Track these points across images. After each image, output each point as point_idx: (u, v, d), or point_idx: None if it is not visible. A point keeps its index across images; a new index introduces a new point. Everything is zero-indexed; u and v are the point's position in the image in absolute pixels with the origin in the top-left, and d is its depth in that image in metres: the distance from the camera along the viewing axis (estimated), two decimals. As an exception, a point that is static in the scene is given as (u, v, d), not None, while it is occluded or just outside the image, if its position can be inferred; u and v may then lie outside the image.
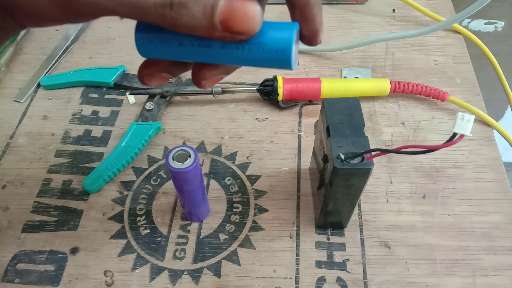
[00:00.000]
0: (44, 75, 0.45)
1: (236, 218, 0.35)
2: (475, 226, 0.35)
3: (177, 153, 0.29)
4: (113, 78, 0.44)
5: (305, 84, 0.41)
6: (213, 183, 0.37)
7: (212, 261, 0.33)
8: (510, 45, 0.95)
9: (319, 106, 0.42)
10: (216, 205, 0.36)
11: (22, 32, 0.50)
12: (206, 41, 0.20)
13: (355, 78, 0.45)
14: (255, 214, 0.35)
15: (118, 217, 0.35)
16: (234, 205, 0.36)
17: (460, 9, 0.41)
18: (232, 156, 0.39)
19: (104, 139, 0.40)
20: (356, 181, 0.28)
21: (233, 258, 0.33)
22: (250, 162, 0.39)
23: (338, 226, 0.34)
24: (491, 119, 0.41)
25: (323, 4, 0.52)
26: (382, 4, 0.53)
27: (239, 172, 0.38)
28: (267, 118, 0.42)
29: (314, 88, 0.41)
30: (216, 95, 0.43)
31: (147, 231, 0.35)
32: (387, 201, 0.36)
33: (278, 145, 0.40)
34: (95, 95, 0.44)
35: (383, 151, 0.26)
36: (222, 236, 0.34)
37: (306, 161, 0.39)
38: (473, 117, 0.22)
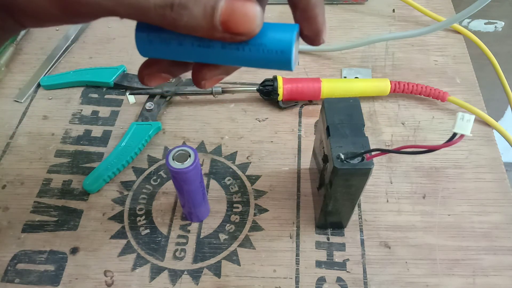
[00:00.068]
0: (44, 75, 0.45)
1: (236, 218, 0.35)
2: (475, 226, 0.35)
3: (177, 153, 0.29)
4: (113, 78, 0.44)
5: (305, 84, 0.41)
6: (213, 183, 0.37)
7: (212, 261, 0.33)
8: (510, 45, 0.95)
9: (319, 106, 0.42)
10: (216, 205, 0.36)
11: (22, 32, 0.50)
12: (206, 42, 0.20)
13: (355, 78, 0.45)
14: (255, 214, 0.35)
15: (118, 217, 0.35)
16: (234, 205, 0.36)
17: (460, 9, 0.41)
18: (232, 156, 0.39)
19: (104, 139, 0.40)
20: (356, 181, 0.28)
21: (233, 258, 0.33)
22: (250, 162, 0.39)
23: (338, 226, 0.34)
24: (491, 119, 0.41)
25: (323, 4, 0.52)
26: (382, 4, 0.53)
27: (239, 172, 0.38)
28: (267, 118, 0.42)
29: (314, 88, 0.41)
30: (216, 95, 0.43)
31: (147, 231, 0.35)
32: (387, 201, 0.36)
33: (278, 145, 0.40)
34: (95, 95, 0.44)
35: (383, 151, 0.26)
36: (222, 236, 0.34)
37: (306, 161, 0.39)
38: (473, 117, 0.22)
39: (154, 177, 0.38)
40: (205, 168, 0.38)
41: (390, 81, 0.42)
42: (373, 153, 0.27)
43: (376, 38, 0.45)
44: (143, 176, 0.38)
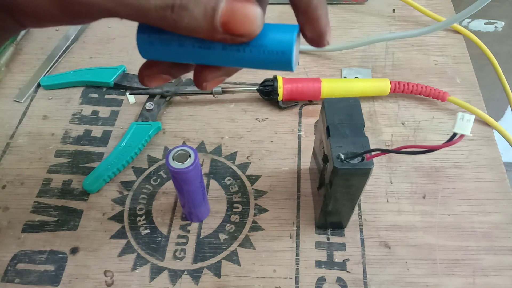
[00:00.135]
0: (44, 75, 0.45)
1: (236, 218, 0.35)
2: (475, 226, 0.35)
3: (177, 153, 0.29)
4: (113, 78, 0.44)
5: (305, 84, 0.41)
6: (213, 183, 0.37)
7: (212, 261, 0.33)
8: (510, 45, 0.95)
9: (319, 106, 0.42)
10: (216, 205, 0.36)
11: (22, 32, 0.50)
12: (207, 43, 0.20)
13: (355, 78, 0.45)
14: (255, 214, 0.35)
15: (118, 217, 0.35)
16: (234, 205, 0.36)
17: (460, 9, 0.41)
18: (232, 156, 0.39)
19: (104, 139, 0.40)
20: (356, 181, 0.28)
21: (233, 258, 0.33)
22: (250, 162, 0.39)
23: (338, 226, 0.34)
24: (491, 119, 0.41)
25: (323, 4, 0.52)
26: (382, 4, 0.53)
27: (239, 172, 0.38)
28: (267, 118, 0.42)
29: (314, 88, 0.41)
30: (216, 95, 0.43)
31: (147, 231, 0.35)
32: (387, 201, 0.36)
33: (278, 145, 0.40)
34: (95, 95, 0.44)
35: (383, 151, 0.26)
36: (222, 236, 0.34)
37: (306, 161, 0.39)
38: (473, 117, 0.22)
39: (154, 177, 0.38)
40: (205, 168, 0.38)
41: (390, 81, 0.42)
42: (373, 153, 0.27)
43: (376, 38, 0.45)
44: (143, 176, 0.38)
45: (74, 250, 0.34)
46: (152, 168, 0.38)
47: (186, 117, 0.42)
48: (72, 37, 0.49)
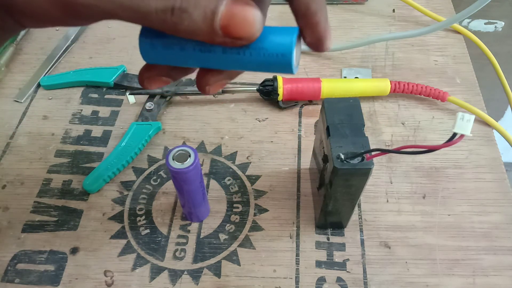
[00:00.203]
0: (44, 75, 0.45)
1: (236, 218, 0.35)
2: (475, 226, 0.35)
3: (177, 153, 0.29)
4: (113, 78, 0.44)
5: (305, 84, 0.41)
6: (213, 183, 0.37)
7: (212, 261, 0.33)
8: (510, 45, 0.95)
9: (319, 106, 0.42)
10: (216, 205, 0.36)
11: (22, 32, 0.50)
12: (208, 47, 0.20)
13: (355, 78, 0.45)
14: (255, 214, 0.35)
15: (118, 217, 0.35)
16: (234, 205, 0.36)
17: (460, 9, 0.41)
18: (232, 156, 0.39)
19: (104, 139, 0.40)
20: (356, 181, 0.28)
21: (233, 258, 0.33)
22: (250, 162, 0.39)
23: (338, 226, 0.34)
24: (491, 119, 0.41)
25: (323, 4, 0.52)
26: (382, 4, 0.53)
27: (239, 172, 0.38)
28: (267, 118, 0.42)
29: (314, 88, 0.41)
30: (216, 95, 0.43)
31: (147, 231, 0.35)
32: (387, 201, 0.36)
33: (278, 145, 0.40)
34: (95, 95, 0.44)
35: (383, 151, 0.26)
36: (222, 236, 0.34)
37: (306, 161, 0.39)
38: (473, 117, 0.22)
39: (154, 177, 0.38)
40: (205, 168, 0.38)
41: (390, 81, 0.42)
42: (373, 153, 0.27)
43: (376, 38, 0.45)
44: (143, 176, 0.38)
45: (74, 250, 0.34)
46: (152, 168, 0.38)
47: (186, 117, 0.42)
48: (72, 37, 0.49)
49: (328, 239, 0.34)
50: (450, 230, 0.35)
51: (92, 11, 0.18)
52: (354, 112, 0.30)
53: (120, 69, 0.45)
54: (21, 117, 0.42)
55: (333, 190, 0.29)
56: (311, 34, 0.21)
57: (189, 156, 0.29)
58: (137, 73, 0.46)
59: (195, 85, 0.23)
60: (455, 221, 0.35)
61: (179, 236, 0.34)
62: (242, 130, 0.41)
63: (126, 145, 0.38)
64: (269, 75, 0.42)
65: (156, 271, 0.33)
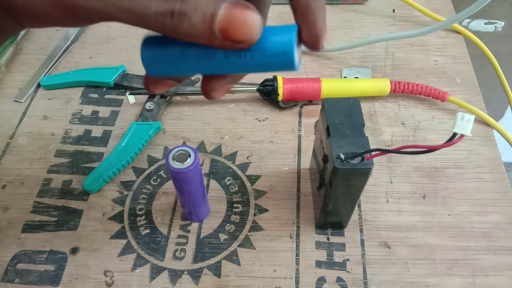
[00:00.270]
0: (44, 75, 0.45)
1: (236, 218, 0.35)
2: (475, 226, 0.35)
3: (177, 153, 0.29)
4: (113, 78, 0.44)
5: (305, 84, 0.41)
6: (213, 183, 0.37)
7: (212, 261, 0.33)
8: (510, 45, 0.95)
9: (319, 106, 0.42)
10: (216, 205, 0.36)
11: (22, 32, 0.50)
12: (210, 54, 0.20)
13: (355, 78, 0.45)
14: (255, 214, 0.35)
15: (118, 217, 0.35)
16: (234, 205, 0.36)
17: (460, 9, 0.41)
18: (232, 156, 0.39)
19: (104, 139, 0.40)
20: (356, 181, 0.28)
21: (233, 258, 0.33)
22: (250, 162, 0.39)
23: (338, 226, 0.34)
24: (491, 119, 0.41)
25: (323, 4, 0.52)
26: (382, 4, 0.53)
27: (239, 172, 0.38)
28: (267, 118, 0.42)
29: (314, 88, 0.41)
30: (216, 95, 0.42)
31: (147, 231, 0.35)
32: (387, 201, 0.36)
33: (278, 145, 0.40)
34: (95, 95, 0.44)
35: (383, 151, 0.26)
36: (222, 236, 0.34)
37: (306, 161, 0.39)
38: (473, 117, 0.22)
39: (154, 177, 0.38)
40: (205, 168, 0.38)
41: (390, 81, 0.42)
42: (373, 153, 0.27)
43: (376, 38, 0.45)
44: (143, 176, 0.38)
45: (74, 250, 0.34)
46: (152, 168, 0.38)
47: (186, 117, 0.42)
48: (72, 37, 0.49)
49: (328, 239, 0.34)
50: (450, 230, 0.35)
51: (92, 13, 0.18)
52: (354, 112, 0.30)
53: (120, 69, 0.45)
54: (21, 117, 0.42)
55: (333, 190, 0.29)
56: (308, 32, 0.21)
57: (189, 156, 0.29)
58: (137, 73, 0.46)
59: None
60: (455, 221, 0.35)
61: (179, 236, 0.34)
62: (242, 130, 0.41)
63: (126, 145, 0.39)
64: (269, 75, 0.42)
65: (156, 271, 0.33)
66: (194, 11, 0.18)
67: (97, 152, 0.39)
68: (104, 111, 0.43)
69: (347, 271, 0.32)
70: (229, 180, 0.38)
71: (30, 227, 0.35)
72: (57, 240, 0.34)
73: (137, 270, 0.33)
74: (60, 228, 0.35)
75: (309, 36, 0.21)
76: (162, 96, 0.42)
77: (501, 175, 0.38)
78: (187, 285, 0.32)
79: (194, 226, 0.35)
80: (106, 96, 0.44)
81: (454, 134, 0.23)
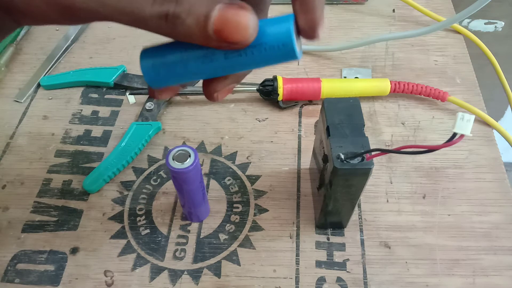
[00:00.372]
0: (44, 75, 0.45)
1: (236, 218, 0.35)
2: (475, 226, 0.35)
3: (177, 153, 0.29)
4: (113, 78, 0.44)
5: (305, 84, 0.41)
6: (213, 183, 0.37)
7: (212, 261, 0.33)
8: (510, 45, 0.95)
9: (319, 106, 0.42)
10: (216, 205, 0.36)
11: (22, 32, 0.50)
12: (210, 57, 0.20)
13: (355, 78, 0.45)
14: (255, 214, 0.35)
15: (118, 217, 0.35)
16: (234, 205, 0.36)
17: (460, 9, 0.41)
18: (232, 156, 0.39)
19: (104, 139, 0.40)
20: (356, 181, 0.28)
21: (233, 258, 0.33)
22: (250, 162, 0.39)
23: (338, 226, 0.34)
24: (491, 119, 0.41)
25: (323, 4, 0.52)
26: (382, 4, 0.53)
27: (239, 172, 0.38)
28: (267, 118, 0.42)
29: (314, 88, 0.41)
30: (216, 95, 0.42)
31: (147, 231, 0.35)
32: (387, 201, 0.36)
33: (278, 145, 0.40)
34: (95, 95, 0.44)
35: (383, 151, 0.26)
36: (222, 236, 0.34)
37: (306, 161, 0.39)
38: (473, 117, 0.22)
39: (154, 177, 0.38)
40: (205, 168, 0.38)
41: (390, 81, 0.42)
42: (373, 153, 0.27)
43: (376, 38, 0.45)
44: (143, 176, 0.38)
45: (74, 250, 0.34)
46: (152, 168, 0.38)
47: (186, 117, 0.42)
48: (72, 37, 0.49)
49: (328, 239, 0.34)
50: (450, 230, 0.35)
51: (88, 15, 0.18)
52: (354, 112, 0.30)
53: (120, 69, 0.45)
54: (21, 117, 0.42)
55: (333, 190, 0.29)
56: (305, 19, 0.20)
57: (189, 156, 0.29)
58: (137, 73, 0.46)
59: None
60: (455, 221, 0.35)
61: (179, 236, 0.34)
62: (242, 130, 0.41)
63: (126, 145, 0.39)
64: (269, 75, 0.42)
65: (156, 271, 0.33)
66: (188, 13, 0.18)
67: (97, 152, 0.39)
68: (104, 111, 0.43)
69: (347, 271, 0.32)
70: (229, 180, 0.38)
71: (30, 227, 0.35)
72: (57, 240, 0.34)
73: (137, 270, 0.33)
74: (60, 228, 0.35)
75: (306, 24, 0.20)
76: (162, 96, 0.42)
77: (501, 175, 0.38)
78: (187, 285, 0.32)
79: (194, 226, 0.35)
80: (106, 96, 0.44)
81: (454, 134, 0.23)
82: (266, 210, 0.36)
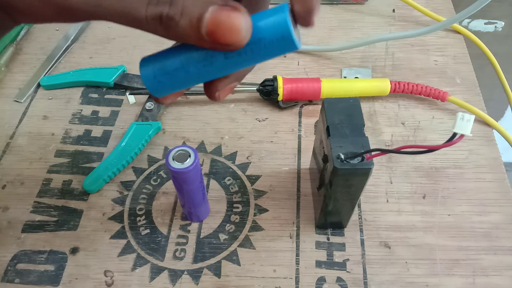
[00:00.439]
0: (44, 75, 0.45)
1: (236, 218, 0.35)
2: (475, 226, 0.35)
3: (177, 153, 0.29)
4: (113, 78, 0.44)
5: (305, 84, 0.41)
6: (213, 183, 0.37)
7: (212, 261, 0.33)
8: (510, 45, 0.95)
9: (319, 106, 0.42)
10: (216, 205, 0.36)
11: (22, 32, 0.50)
12: (209, 59, 0.20)
13: (355, 78, 0.45)
14: (255, 214, 0.35)
15: (118, 217, 0.35)
16: (234, 205, 0.36)
17: (460, 9, 0.41)
18: (232, 156, 0.39)
19: (104, 139, 0.40)
20: (356, 181, 0.28)
21: (233, 258, 0.33)
22: (250, 162, 0.39)
23: (338, 226, 0.34)
24: (491, 119, 0.41)
25: (323, 4, 0.52)
26: (382, 4, 0.53)
27: (239, 172, 0.38)
28: (267, 118, 0.42)
29: (314, 88, 0.41)
30: (216, 95, 0.42)
31: (147, 231, 0.35)
32: (387, 201, 0.36)
33: (278, 145, 0.40)
34: (95, 95, 0.44)
35: (383, 151, 0.26)
36: (222, 236, 0.34)
37: (306, 161, 0.39)
38: (473, 117, 0.22)
39: (154, 177, 0.38)
40: (205, 168, 0.38)
41: (390, 81, 0.42)
42: (373, 153, 0.27)
43: (376, 38, 0.45)
44: (143, 176, 0.38)
45: (74, 250, 0.34)
46: (152, 168, 0.38)
47: (186, 117, 0.42)
48: (72, 37, 0.49)
49: (328, 239, 0.34)
50: (450, 230, 0.35)
51: (85, 14, 0.19)
52: (354, 112, 0.30)
53: (120, 69, 0.45)
54: (21, 117, 0.42)
55: (333, 190, 0.29)
56: (301, 4, 0.20)
57: (189, 156, 0.29)
58: (137, 73, 0.46)
59: (208, 97, 0.23)
60: (455, 221, 0.35)
61: (179, 236, 0.34)
62: (242, 130, 0.41)
63: (126, 145, 0.39)
64: (269, 75, 0.42)
65: (156, 271, 0.33)
66: (181, 15, 0.18)
67: (97, 152, 0.39)
68: (104, 111, 0.43)
69: (347, 271, 0.32)
70: (229, 180, 0.38)
71: (30, 227, 0.35)
72: (57, 240, 0.34)
73: (137, 270, 0.33)
74: (60, 228, 0.35)
75: (301, 9, 0.20)
76: (162, 96, 0.42)
77: (501, 175, 0.38)
78: (187, 285, 0.32)
79: (194, 226, 0.35)
80: (106, 96, 0.44)
81: (454, 134, 0.23)
82: (266, 210, 0.36)
